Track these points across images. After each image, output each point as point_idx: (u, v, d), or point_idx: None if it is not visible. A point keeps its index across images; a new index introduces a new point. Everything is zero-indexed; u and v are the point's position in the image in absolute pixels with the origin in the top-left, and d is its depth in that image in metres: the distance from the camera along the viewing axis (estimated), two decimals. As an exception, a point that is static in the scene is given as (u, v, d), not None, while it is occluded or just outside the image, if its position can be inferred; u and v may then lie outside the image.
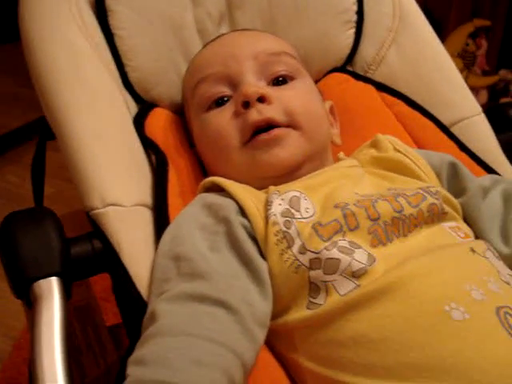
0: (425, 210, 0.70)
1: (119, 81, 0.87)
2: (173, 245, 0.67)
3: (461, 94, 0.97)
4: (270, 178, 0.75)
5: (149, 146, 0.82)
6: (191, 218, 0.70)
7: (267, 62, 0.81)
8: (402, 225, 0.69)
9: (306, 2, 0.97)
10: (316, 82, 0.96)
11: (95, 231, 0.70)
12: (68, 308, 0.64)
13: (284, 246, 0.66)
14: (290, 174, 0.76)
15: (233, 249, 0.66)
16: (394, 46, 1.00)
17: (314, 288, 0.64)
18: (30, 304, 0.64)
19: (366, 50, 1.02)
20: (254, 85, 0.78)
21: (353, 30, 1.01)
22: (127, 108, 0.86)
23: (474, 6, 2.32)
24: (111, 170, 0.73)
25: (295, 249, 0.65)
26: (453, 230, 0.72)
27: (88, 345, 1.07)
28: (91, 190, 0.71)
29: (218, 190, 0.73)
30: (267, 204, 0.69)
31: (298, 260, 0.64)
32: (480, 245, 0.69)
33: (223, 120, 0.78)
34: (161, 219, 0.73)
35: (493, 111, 0.99)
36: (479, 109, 0.96)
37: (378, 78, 1.01)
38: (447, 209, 0.73)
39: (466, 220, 0.77)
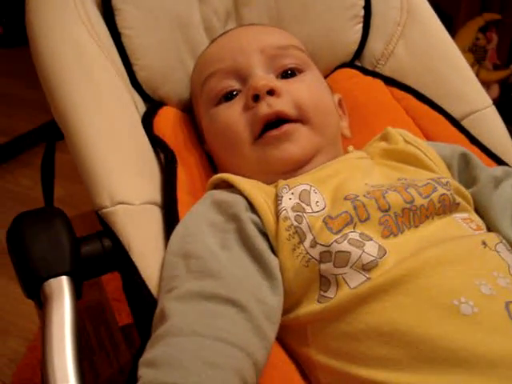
0: (436, 201, 0.70)
1: (127, 80, 0.87)
2: (183, 243, 0.67)
3: (471, 86, 0.97)
4: (280, 173, 0.75)
5: (157, 144, 0.82)
6: (201, 215, 0.70)
7: (275, 56, 0.81)
8: (412, 216, 0.68)
9: (312, -3, 0.96)
10: (324, 77, 0.95)
11: (105, 230, 0.70)
12: (79, 307, 0.64)
13: (296, 242, 0.65)
14: (300, 167, 0.76)
15: (244, 246, 0.66)
16: (402, 39, 1.00)
17: (325, 281, 0.63)
18: (41, 304, 0.64)
19: (375, 45, 1.02)
20: (264, 78, 0.78)
21: (360, 25, 1.00)
22: (135, 107, 0.85)
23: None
24: (120, 169, 0.73)
25: (307, 243, 0.65)
26: (465, 221, 0.72)
27: (101, 345, 1.07)
28: (100, 189, 0.71)
29: (227, 186, 0.73)
30: (277, 199, 0.69)
31: (308, 254, 0.64)
32: (492, 238, 0.68)
33: (233, 114, 0.78)
34: (170, 217, 0.73)
35: (504, 103, 0.98)
36: (490, 101, 0.96)
37: (386, 72, 1.01)
38: (459, 200, 0.73)
39: (477, 210, 0.77)
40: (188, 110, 0.93)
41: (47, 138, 0.89)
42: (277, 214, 0.68)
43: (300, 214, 0.67)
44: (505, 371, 0.54)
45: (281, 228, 0.66)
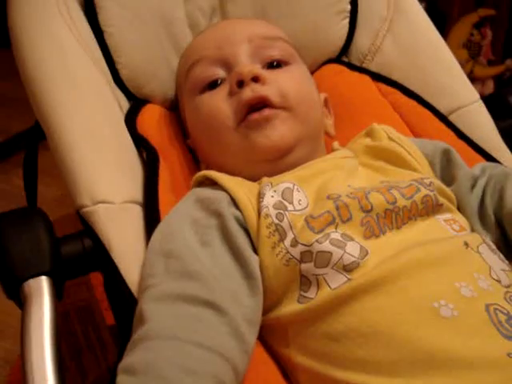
0: (419, 202, 0.69)
1: (110, 78, 0.86)
2: (163, 242, 0.66)
3: (458, 81, 0.96)
4: (262, 162, 0.75)
5: (140, 142, 0.81)
6: (183, 213, 0.70)
7: (262, 46, 0.80)
8: (395, 217, 0.67)
9: (298, -8, 0.96)
10: (311, 73, 0.94)
11: (86, 229, 0.69)
12: (67, 307, 0.64)
13: (276, 239, 0.65)
14: (281, 157, 0.75)
15: (225, 242, 0.65)
16: (389, 35, 0.99)
17: (305, 281, 0.63)
18: (21, 304, 0.64)
19: (361, 41, 1.01)
20: (249, 65, 0.77)
21: (346, 21, 0.99)
22: (119, 105, 0.85)
23: (478, -5, 2.29)
24: (100, 168, 0.72)
25: (287, 242, 0.64)
26: (447, 222, 0.71)
27: (89, 345, 1.07)
28: (81, 188, 0.70)
29: (211, 183, 0.72)
30: (260, 196, 0.68)
31: (289, 253, 0.63)
32: (475, 238, 0.67)
33: (217, 100, 0.77)
34: (151, 215, 0.72)
35: (492, 98, 0.97)
36: (477, 96, 0.95)
37: (374, 68, 1.00)
38: (442, 200, 0.72)
39: (459, 209, 0.76)
40: (173, 107, 0.92)
41: (29, 138, 0.88)
42: (259, 211, 0.67)
43: (281, 211, 0.66)
44: (484, 374, 0.54)
45: (262, 225, 0.65)
